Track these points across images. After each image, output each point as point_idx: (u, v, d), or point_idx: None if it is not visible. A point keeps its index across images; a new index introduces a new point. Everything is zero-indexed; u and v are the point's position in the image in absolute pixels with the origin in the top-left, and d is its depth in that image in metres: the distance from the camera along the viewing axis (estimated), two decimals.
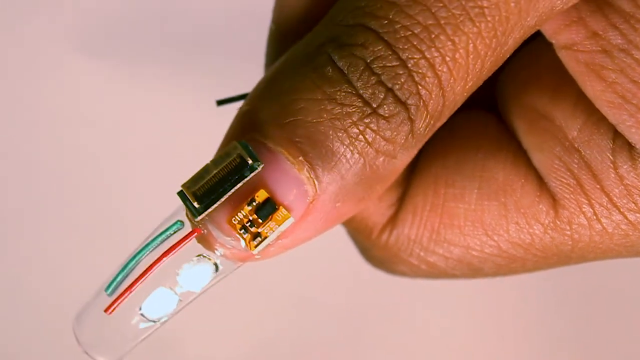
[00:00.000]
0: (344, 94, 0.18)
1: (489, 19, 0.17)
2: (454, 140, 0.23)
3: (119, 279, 0.19)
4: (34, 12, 0.41)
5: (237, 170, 0.18)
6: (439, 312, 0.39)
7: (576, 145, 0.21)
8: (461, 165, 0.22)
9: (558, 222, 0.21)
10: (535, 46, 0.22)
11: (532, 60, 0.22)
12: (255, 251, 0.18)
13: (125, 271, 0.19)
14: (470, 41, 0.17)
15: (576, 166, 0.21)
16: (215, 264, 0.19)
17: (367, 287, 0.39)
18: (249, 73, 0.40)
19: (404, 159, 0.19)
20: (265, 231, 0.18)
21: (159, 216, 0.38)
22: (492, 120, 0.23)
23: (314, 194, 0.19)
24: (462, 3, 0.17)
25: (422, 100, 0.18)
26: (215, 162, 0.19)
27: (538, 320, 0.39)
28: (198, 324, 0.39)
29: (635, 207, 0.20)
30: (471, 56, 0.18)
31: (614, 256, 0.22)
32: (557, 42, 0.20)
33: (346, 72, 0.18)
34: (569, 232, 0.21)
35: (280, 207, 0.18)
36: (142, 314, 0.19)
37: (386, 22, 0.18)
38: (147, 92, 0.41)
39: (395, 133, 0.18)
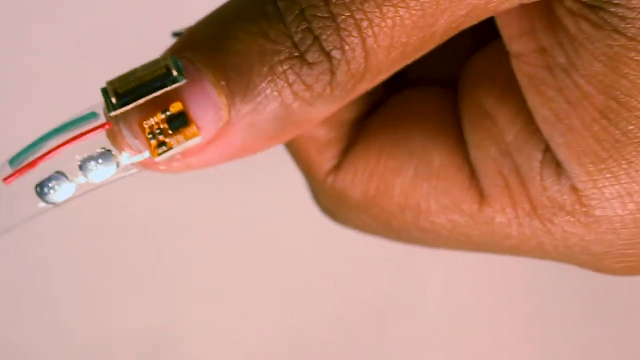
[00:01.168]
0: (276, 32, 0.19)
1: None
2: (407, 113, 0.24)
3: (24, 154, 0.20)
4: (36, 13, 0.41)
5: (161, 79, 0.19)
6: (441, 313, 0.39)
7: (510, 150, 0.22)
8: (406, 141, 0.23)
9: (480, 217, 0.22)
10: (501, 43, 0.23)
11: (494, 57, 0.23)
12: (158, 159, 0.19)
13: (32, 149, 0.20)
14: (397, 14, 0.19)
15: (507, 170, 0.22)
16: (118, 163, 0.20)
17: (367, 287, 0.39)
18: None
19: (321, 110, 0.20)
20: (172, 142, 0.19)
21: (159, 216, 0.38)
22: (448, 102, 0.24)
23: (227, 119, 0.19)
24: None
25: (344, 56, 0.19)
26: (143, 66, 0.19)
27: (544, 323, 0.39)
28: (198, 324, 0.39)
29: (554, 219, 0.21)
30: (397, 28, 0.19)
31: (528, 256, 0.23)
32: (509, 49, 0.21)
33: (282, 13, 0.19)
34: (489, 227, 0.22)
35: (192, 124, 0.19)
36: (38, 193, 0.20)
37: None
38: None
39: (315, 81, 0.19)
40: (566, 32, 0.20)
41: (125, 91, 0.19)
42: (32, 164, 0.19)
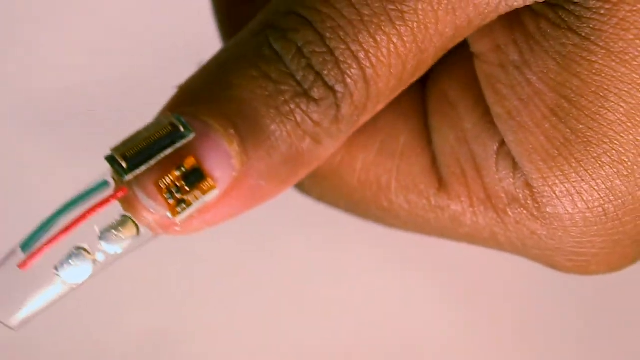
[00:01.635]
0: (278, 72, 0.19)
1: (408, 23, 0.19)
2: None
3: (36, 236, 0.19)
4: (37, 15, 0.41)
5: (169, 137, 0.19)
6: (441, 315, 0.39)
7: (467, 138, 0.22)
8: (375, 117, 0.23)
9: (437, 201, 0.22)
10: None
11: (463, 52, 0.23)
12: (178, 218, 0.19)
13: (43, 229, 0.19)
14: (391, 42, 0.19)
15: (463, 157, 0.22)
16: (139, 228, 0.19)
17: (368, 287, 0.39)
18: None
19: (328, 147, 0.20)
20: (190, 199, 0.19)
21: None
22: (418, 88, 0.24)
23: (240, 168, 0.19)
24: (384, 4, 0.19)
25: (348, 89, 0.19)
26: (147, 128, 0.19)
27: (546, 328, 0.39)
28: (198, 324, 0.38)
29: (508, 211, 0.22)
30: (393, 56, 0.19)
31: (483, 245, 0.23)
32: (472, 49, 0.22)
33: (280, 53, 0.19)
34: (445, 214, 0.22)
35: (207, 177, 0.19)
36: (58, 274, 0.19)
37: (315, 11, 0.19)
38: (148, 93, 0.40)
39: (322, 117, 0.19)
40: (523, 30, 0.20)
41: (134, 154, 0.19)
42: (48, 244, 0.19)
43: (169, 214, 0.19)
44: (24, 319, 0.20)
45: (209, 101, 0.19)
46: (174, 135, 0.19)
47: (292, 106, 0.19)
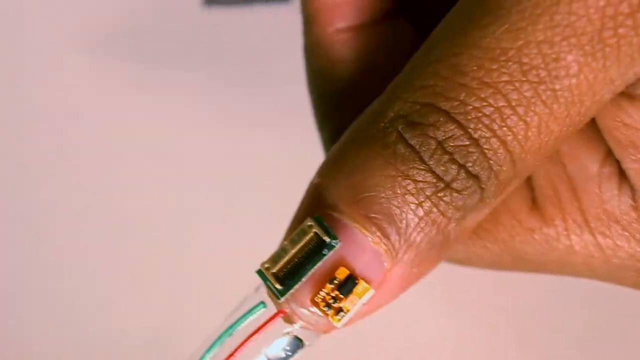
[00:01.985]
0: (416, 170, 0.18)
1: (561, 100, 0.18)
2: None
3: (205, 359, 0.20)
4: (35, 13, 0.41)
5: (316, 249, 0.19)
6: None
7: (562, 159, 0.21)
8: None
9: (529, 223, 0.22)
10: None
11: None
12: (339, 324, 0.19)
13: (210, 352, 0.20)
14: (542, 121, 0.18)
15: (559, 179, 0.21)
16: (299, 338, 0.20)
17: None
18: (251, 74, 0.41)
19: (474, 220, 0.20)
20: (348, 305, 0.19)
21: (158, 215, 0.38)
22: None
23: (391, 264, 0.19)
24: (534, 86, 0.17)
25: (492, 172, 0.18)
26: (292, 240, 0.19)
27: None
28: (198, 324, 0.39)
29: (607, 232, 0.21)
30: (543, 134, 0.18)
31: (571, 273, 0.22)
32: None
33: (418, 150, 0.18)
34: (536, 237, 0.22)
35: (360, 280, 0.19)
36: None
37: (457, 103, 0.18)
38: (147, 93, 0.41)
39: (465, 202, 0.19)
40: None
41: (285, 274, 0.19)
42: None
43: (330, 322, 0.19)
44: None
45: (349, 204, 0.19)
46: (321, 247, 0.19)
47: (435, 201, 0.18)
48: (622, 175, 0.21)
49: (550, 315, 0.39)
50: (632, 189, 0.21)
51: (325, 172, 0.20)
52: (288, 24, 0.36)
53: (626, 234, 0.21)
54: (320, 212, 0.19)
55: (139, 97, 0.41)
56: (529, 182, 0.22)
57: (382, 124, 0.19)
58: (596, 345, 0.39)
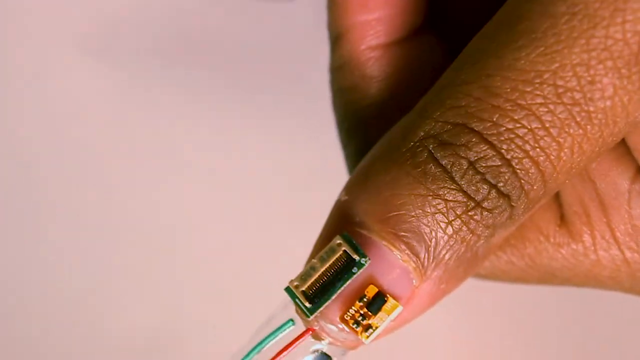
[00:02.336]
0: (447, 190, 0.18)
1: (595, 122, 0.18)
2: None
3: None
4: (37, 13, 0.41)
5: (345, 267, 0.19)
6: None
7: (592, 177, 0.21)
8: None
9: (556, 239, 0.22)
10: None
11: None
12: (368, 341, 0.19)
13: None
14: (575, 142, 0.18)
15: (588, 196, 0.21)
16: (327, 355, 0.20)
17: None
18: (253, 73, 0.40)
19: (502, 236, 0.20)
20: (377, 322, 0.19)
21: (158, 215, 0.38)
22: None
23: (420, 281, 0.19)
24: (568, 108, 0.17)
25: (523, 191, 0.18)
26: (321, 258, 0.19)
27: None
28: (198, 324, 0.39)
29: (635, 247, 0.21)
30: (576, 154, 0.18)
31: (597, 286, 0.23)
32: None
33: (450, 170, 0.18)
34: (563, 252, 0.22)
35: (389, 297, 0.19)
36: None
37: (490, 124, 0.18)
38: (149, 93, 0.40)
39: (495, 220, 0.19)
40: None
41: (314, 291, 0.19)
42: None
43: (359, 339, 0.19)
44: None
45: (378, 221, 0.19)
46: (350, 265, 0.19)
47: (465, 219, 0.19)
48: None
49: (548, 315, 0.39)
50: None
51: (353, 189, 0.20)
52: (292, 22, 0.36)
53: None
54: (348, 229, 0.19)
55: (138, 95, 0.41)
56: (557, 198, 0.22)
57: (412, 143, 0.19)
58: (594, 345, 0.39)
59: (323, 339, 0.19)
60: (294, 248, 0.39)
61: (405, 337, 0.38)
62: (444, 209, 0.18)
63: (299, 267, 0.39)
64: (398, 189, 0.19)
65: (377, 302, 0.19)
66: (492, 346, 0.39)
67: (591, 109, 0.18)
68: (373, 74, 0.22)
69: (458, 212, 0.18)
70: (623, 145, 0.21)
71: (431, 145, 0.19)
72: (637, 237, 0.21)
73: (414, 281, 0.19)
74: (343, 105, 0.23)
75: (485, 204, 0.18)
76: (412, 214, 0.19)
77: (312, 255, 0.20)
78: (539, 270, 0.23)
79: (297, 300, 0.19)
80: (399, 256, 0.19)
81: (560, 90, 0.17)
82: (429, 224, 0.19)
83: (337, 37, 0.22)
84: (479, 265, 0.20)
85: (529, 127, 0.18)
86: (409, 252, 0.19)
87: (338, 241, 0.19)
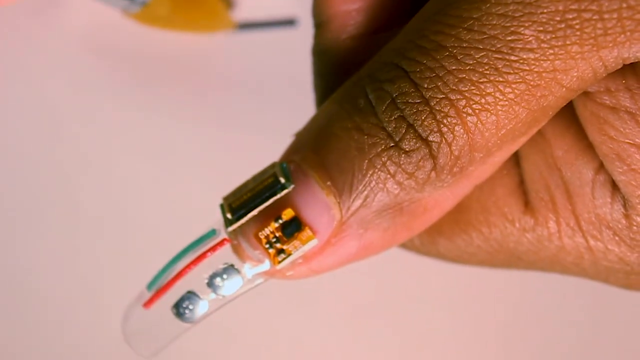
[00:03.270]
0: (370, 125, 0.19)
1: (517, 71, 0.18)
2: None
3: (159, 279, 0.21)
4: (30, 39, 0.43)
5: (269, 188, 0.19)
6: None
7: (558, 165, 0.21)
8: None
9: (521, 224, 0.22)
10: None
11: None
12: (279, 267, 0.20)
13: (164, 272, 0.21)
14: (496, 89, 0.18)
15: (554, 184, 0.22)
16: (244, 275, 0.20)
17: (366, 288, 0.39)
18: (254, 99, 0.41)
19: (435, 196, 0.20)
20: (290, 249, 0.19)
21: (158, 215, 0.39)
22: None
23: (339, 218, 0.19)
24: (489, 54, 0.18)
25: (443, 139, 0.18)
26: (254, 177, 0.20)
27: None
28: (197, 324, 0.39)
29: (598, 236, 0.21)
30: (500, 103, 0.18)
31: (562, 271, 0.23)
32: None
33: (374, 104, 0.19)
34: (528, 236, 0.22)
35: (306, 227, 0.19)
36: (175, 314, 0.20)
37: (414, 62, 0.18)
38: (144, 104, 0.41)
39: (416, 168, 0.19)
40: (638, 78, 0.19)
41: (238, 205, 0.20)
42: (165, 288, 0.20)
43: (269, 263, 0.20)
44: (154, 351, 0.21)
45: (312, 151, 0.20)
46: (274, 186, 0.19)
47: (384, 158, 0.19)
48: (615, 184, 0.21)
49: (548, 315, 0.38)
50: (624, 198, 0.21)
51: (309, 121, 0.21)
52: (294, 48, 0.37)
53: (617, 238, 0.21)
54: (288, 159, 0.20)
55: (136, 101, 0.42)
56: (522, 185, 0.22)
57: (354, 81, 0.20)
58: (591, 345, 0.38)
59: (243, 259, 0.20)
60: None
61: (406, 337, 0.38)
62: (366, 145, 0.19)
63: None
64: (332, 122, 0.19)
65: (292, 227, 0.19)
66: (492, 345, 0.38)
67: (512, 58, 0.18)
68: (354, 61, 0.23)
69: (378, 150, 0.19)
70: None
71: (365, 82, 0.19)
72: (600, 226, 0.21)
73: (334, 217, 0.19)
74: (322, 90, 0.23)
75: (403, 145, 0.19)
76: (337, 146, 0.19)
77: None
78: (505, 254, 0.23)
79: (223, 212, 0.20)
80: (322, 189, 0.19)
81: (484, 36, 0.18)
82: (352, 159, 0.19)
83: (319, 25, 0.23)
84: (409, 228, 0.20)
85: (449, 68, 0.18)
86: (331, 185, 0.19)
87: (272, 165, 0.20)
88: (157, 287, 0.20)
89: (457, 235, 0.23)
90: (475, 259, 0.23)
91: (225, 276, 0.20)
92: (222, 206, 0.20)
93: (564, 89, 0.18)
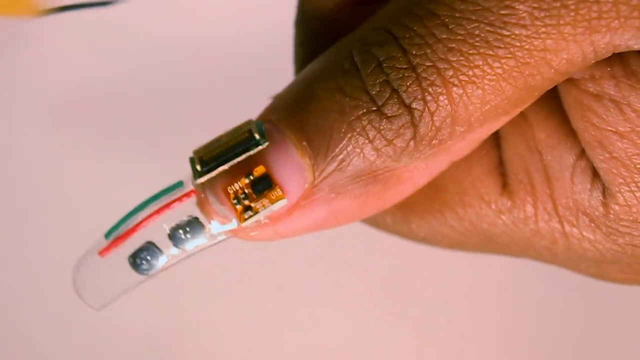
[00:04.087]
0: (353, 87, 0.19)
1: (508, 46, 0.18)
2: None
3: (118, 228, 0.20)
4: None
5: (243, 143, 0.19)
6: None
7: (539, 148, 0.21)
8: None
9: (498, 205, 0.22)
10: None
11: None
12: (245, 224, 0.19)
13: (125, 221, 0.20)
14: (485, 62, 0.18)
15: (533, 167, 0.21)
16: (208, 230, 0.20)
17: (366, 287, 0.39)
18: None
19: (410, 168, 0.19)
20: (257, 206, 0.19)
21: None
22: None
23: (311, 181, 0.19)
24: (482, 26, 0.18)
25: (426, 107, 0.18)
26: (228, 132, 0.19)
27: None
28: (198, 324, 0.39)
29: (574, 222, 0.21)
30: (488, 77, 0.18)
31: (534, 256, 0.23)
32: None
33: (359, 67, 0.18)
34: (504, 218, 0.22)
35: (277, 187, 0.19)
36: (131, 265, 0.20)
37: (404, 28, 0.18)
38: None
39: (395, 135, 0.19)
40: (624, 67, 0.19)
41: (209, 158, 0.19)
42: (124, 237, 0.20)
43: (235, 220, 0.19)
44: (104, 302, 0.21)
45: (291, 111, 0.19)
46: (248, 142, 0.19)
47: (365, 122, 0.19)
48: (595, 171, 0.21)
49: (548, 315, 0.38)
50: (604, 185, 0.21)
51: (291, 83, 0.20)
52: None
53: (593, 225, 0.21)
54: (266, 117, 0.20)
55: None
56: (500, 166, 0.22)
57: (341, 46, 0.19)
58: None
59: (208, 211, 0.19)
60: (295, 246, 0.39)
61: (405, 338, 0.38)
62: (347, 107, 0.19)
63: (299, 266, 0.39)
64: (314, 83, 0.19)
65: (262, 184, 0.19)
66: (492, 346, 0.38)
67: (505, 32, 0.18)
68: (338, 31, 0.23)
69: (359, 113, 0.18)
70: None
71: (353, 45, 0.19)
72: (578, 212, 0.21)
73: (306, 179, 0.19)
74: (303, 59, 0.23)
75: (385, 110, 0.18)
76: (318, 107, 0.19)
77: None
78: (478, 235, 0.22)
79: (193, 165, 0.19)
80: (297, 150, 0.19)
81: (477, 8, 0.18)
82: (331, 121, 0.19)
83: None
84: (381, 198, 0.20)
85: (439, 36, 0.18)
86: (307, 146, 0.19)
87: (248, 121, 0.19)
88: (116, 235, 0.20)
89: (431, 214, 0.22)
90: (447, 240, 0.23)
91: (188, 229, 0.19)
92: (192, 159, 0.19)
93: (552, 71, 0.18)
